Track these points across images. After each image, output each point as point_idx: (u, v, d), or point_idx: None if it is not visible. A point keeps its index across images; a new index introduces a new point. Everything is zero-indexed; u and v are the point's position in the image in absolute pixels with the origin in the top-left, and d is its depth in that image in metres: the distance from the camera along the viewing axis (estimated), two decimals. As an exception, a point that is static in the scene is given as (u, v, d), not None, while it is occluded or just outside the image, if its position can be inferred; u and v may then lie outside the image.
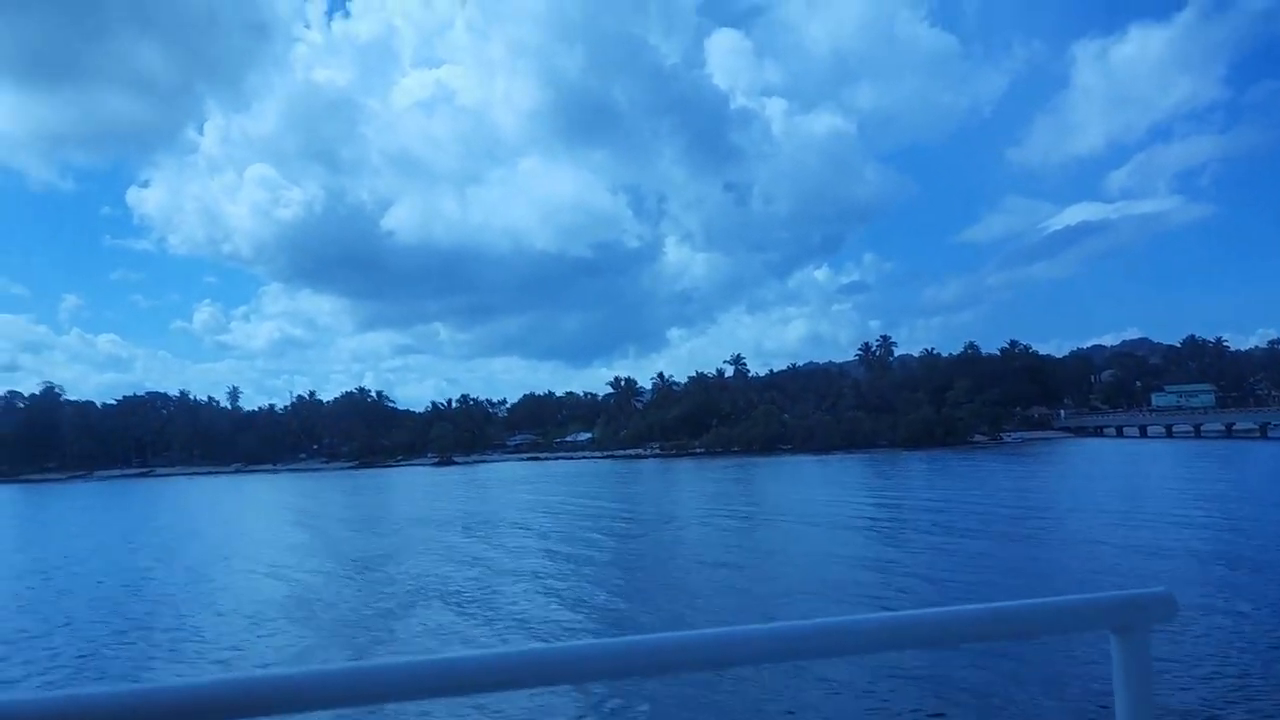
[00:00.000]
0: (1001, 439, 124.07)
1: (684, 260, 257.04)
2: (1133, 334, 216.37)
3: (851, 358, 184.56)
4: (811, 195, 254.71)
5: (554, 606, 21.87)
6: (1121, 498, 44.89)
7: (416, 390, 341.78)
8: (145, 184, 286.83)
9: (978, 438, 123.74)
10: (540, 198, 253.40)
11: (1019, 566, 25.55)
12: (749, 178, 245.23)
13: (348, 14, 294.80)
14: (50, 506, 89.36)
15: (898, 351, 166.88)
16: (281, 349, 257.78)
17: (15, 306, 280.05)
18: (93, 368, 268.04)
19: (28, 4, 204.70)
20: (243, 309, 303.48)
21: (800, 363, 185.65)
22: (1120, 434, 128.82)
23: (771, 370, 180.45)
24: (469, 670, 1.29)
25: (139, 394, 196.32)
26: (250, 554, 37.17)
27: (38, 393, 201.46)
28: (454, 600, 23.35)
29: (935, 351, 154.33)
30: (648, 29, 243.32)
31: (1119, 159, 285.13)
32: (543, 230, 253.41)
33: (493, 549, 34.34)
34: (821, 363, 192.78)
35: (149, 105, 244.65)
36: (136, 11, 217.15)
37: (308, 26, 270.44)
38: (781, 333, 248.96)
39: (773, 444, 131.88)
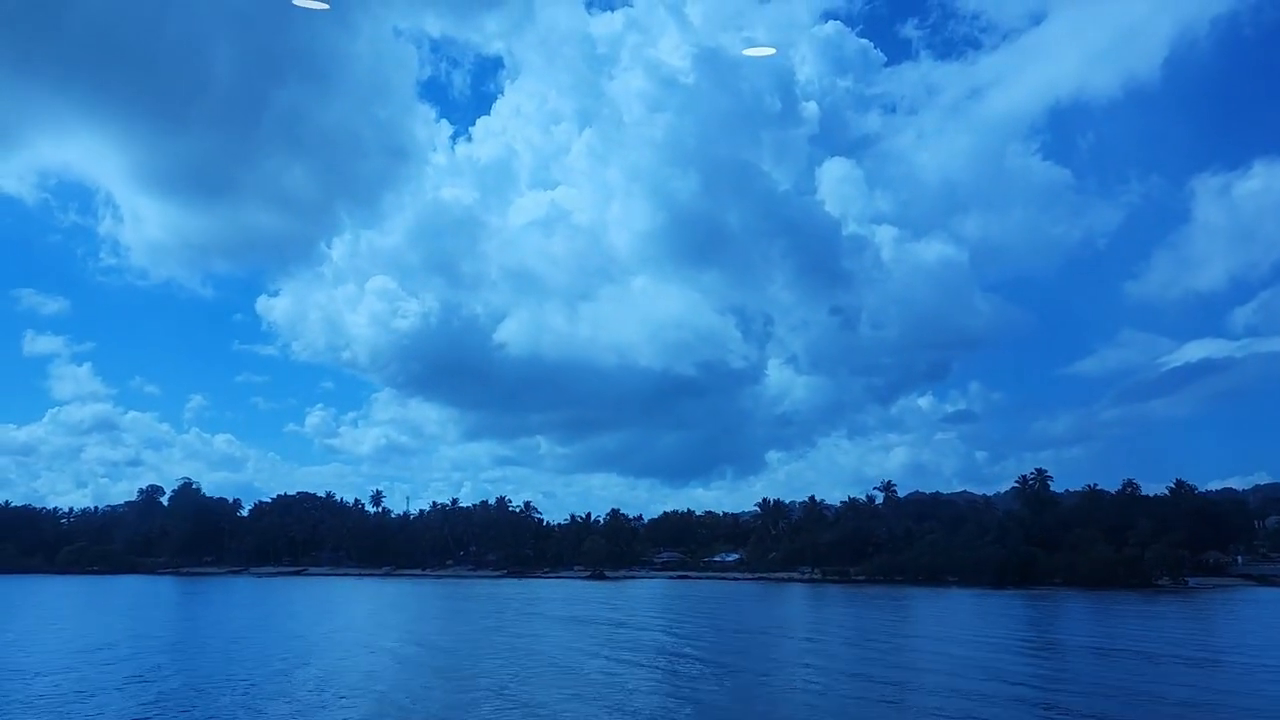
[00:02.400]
0: (1186, 584, 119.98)
1: (786, 382, 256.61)
2: (1262, 478, 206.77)
3: (956, 489, 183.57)
4: (918, 322, 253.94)
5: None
6: None
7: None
8: (275, 293, 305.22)
9: (1160, 582, 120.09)
10: (649, 316, 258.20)
11: None
12: (857, 303, 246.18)
13: (470, 138, 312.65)
14: (223, 598, 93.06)
15: (1010, 483, 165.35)
16: (386, 455, 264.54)
17: (146, 404, 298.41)
18: (207, 466, 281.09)
19: (189, 125, 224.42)
20: (353, 414, 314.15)
21: (903, 492, 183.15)
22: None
23: (914, 495, 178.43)
24: None
25: (290, 494, 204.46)
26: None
27: (177, 488, 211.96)
28: None
29: (1098, 487, 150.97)
30: (761, 157, 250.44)
31: (1243, 295, 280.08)
32: (649, 348, 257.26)
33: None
34: (928, 491, 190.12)
35: (291, 220, 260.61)
36: (288, 135, 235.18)
37: (434, 149, 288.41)
38: (883, 460, 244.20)
39: (938, 575, 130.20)
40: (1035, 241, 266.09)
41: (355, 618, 70.59)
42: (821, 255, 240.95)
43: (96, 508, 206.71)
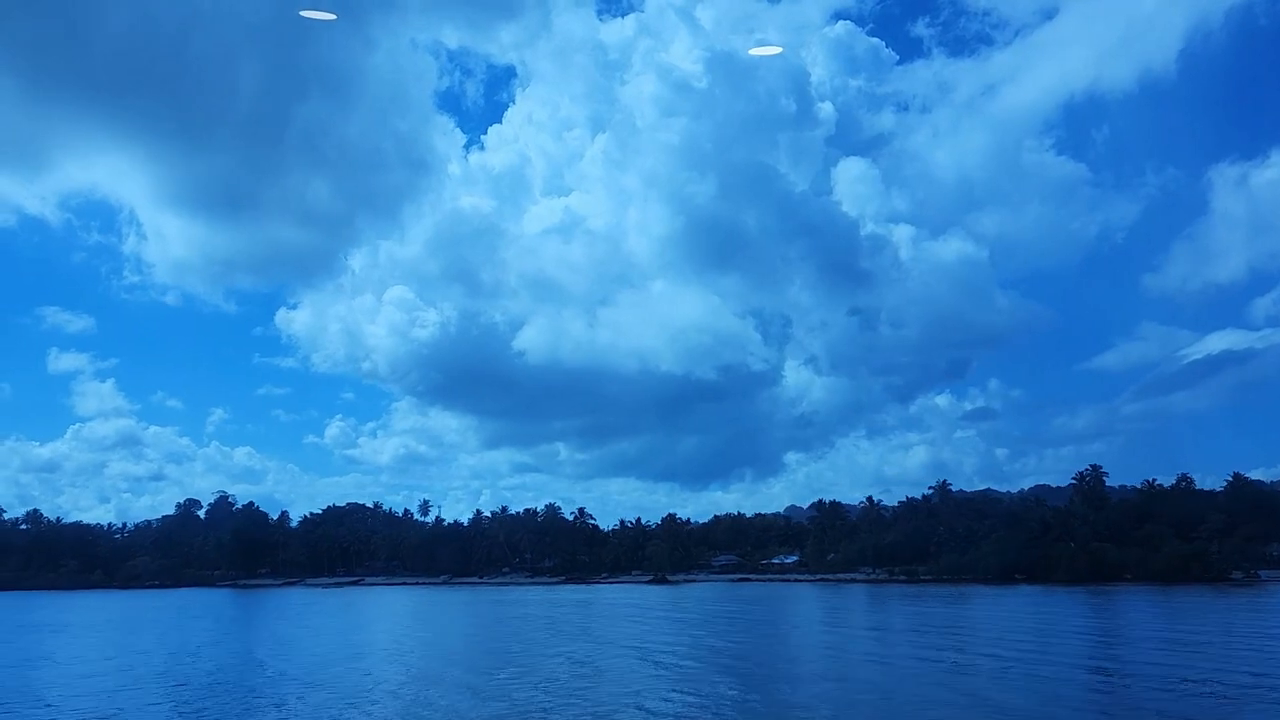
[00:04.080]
0: (1258, 578, 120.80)
1: (804, 383, 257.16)
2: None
3: (978, 486, 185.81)
4: (937, 320, 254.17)
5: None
6: None
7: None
8: (294, 306, 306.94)
9: (1233, 576, 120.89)
10: (669, 320, 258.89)
11: None
12: (876, 302, 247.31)
13: (483, 147, 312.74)
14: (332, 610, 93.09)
15: (1032, 480, 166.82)
16: (406, 465, 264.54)
17: (168, 419, 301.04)
18: (228, 479, 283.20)
19: (213, 143, 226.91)
20: (372, 424, 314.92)
21: (923, 490, 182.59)
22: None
23: (968, 490, 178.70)
24: None
25: (340, 505, 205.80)
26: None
27: (214, 501, 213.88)
28: None
29: (1157, 483, 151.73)
30: (777, 158, 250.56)
31: (1263, 286, 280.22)
32: (669, 352, 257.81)
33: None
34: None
35: (313, 234, 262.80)
36: (310, 150, 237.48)
37: (450, 160, 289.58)
38: (902, 459, 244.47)
39: (1008, 573, 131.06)
40: (1053, 237, 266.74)
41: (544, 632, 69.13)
42: (840, 256, 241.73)
43: (150, 522, 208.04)
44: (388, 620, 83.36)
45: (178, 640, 61.55)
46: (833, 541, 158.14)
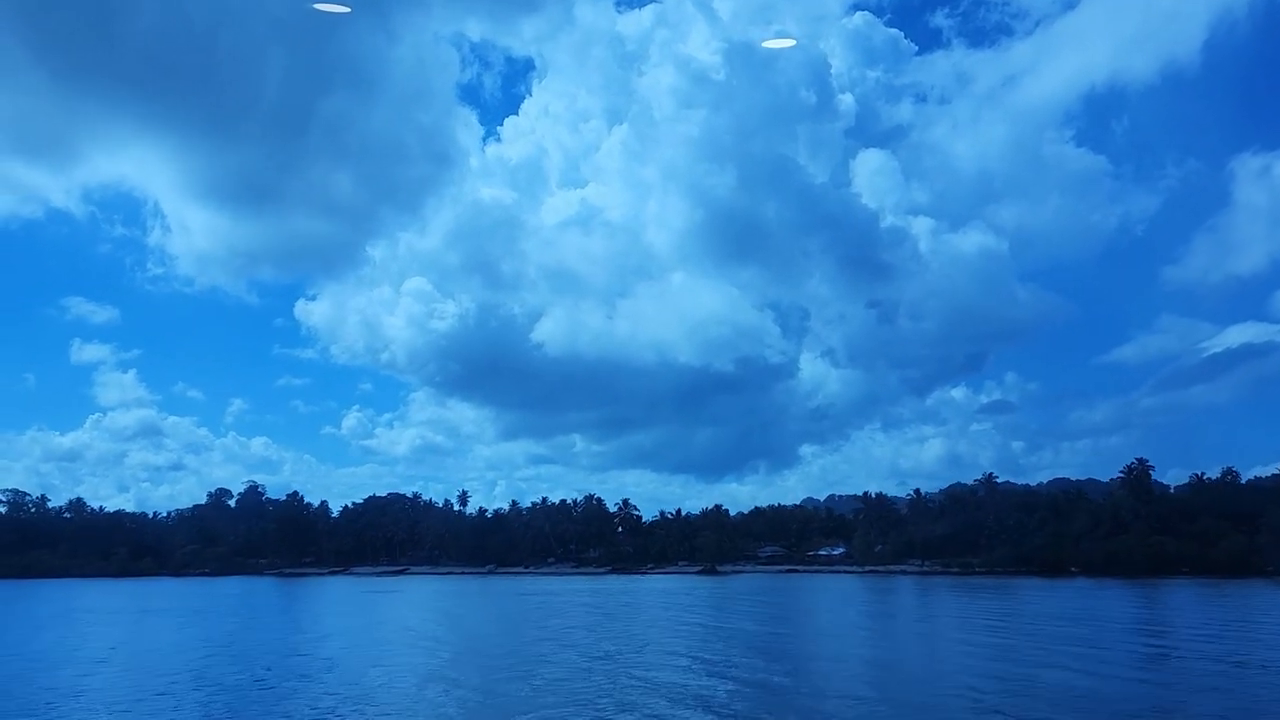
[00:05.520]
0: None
1: (821, 376, 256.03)
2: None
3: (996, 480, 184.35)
4: (956, 313, 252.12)
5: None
6: None
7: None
8: (313, 297, 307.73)
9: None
10: (687, 313, 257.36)
11: None
12: (895, 295, 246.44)
13: (499, 139, 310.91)
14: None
15: (1048, 474, 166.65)
16: (422, 455, 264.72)
17: (188, 409, 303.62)
18: (245, 469, 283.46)
19: (238, 136, 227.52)
20: (389, 415, 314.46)
21: (940, 483, 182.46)
22: None
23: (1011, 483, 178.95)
24: None
25: (380, 495, 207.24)
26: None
27: (243, 491, 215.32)
28: None
29: (1205, 476, 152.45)
30: (796, 150, 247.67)
31: None
32: (687, 344, 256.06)
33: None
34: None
35: (335, 227, 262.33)
36: (333, 143, 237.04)
37: (469, 152, 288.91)
38: (917, 452, 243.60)
39: (1063, 566, 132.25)
40: (1072, 229, 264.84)
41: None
42: (859, 248, 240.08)
43: (188, 509, 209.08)
44: (492, 614, 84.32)
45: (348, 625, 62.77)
46: (879, 533, 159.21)
